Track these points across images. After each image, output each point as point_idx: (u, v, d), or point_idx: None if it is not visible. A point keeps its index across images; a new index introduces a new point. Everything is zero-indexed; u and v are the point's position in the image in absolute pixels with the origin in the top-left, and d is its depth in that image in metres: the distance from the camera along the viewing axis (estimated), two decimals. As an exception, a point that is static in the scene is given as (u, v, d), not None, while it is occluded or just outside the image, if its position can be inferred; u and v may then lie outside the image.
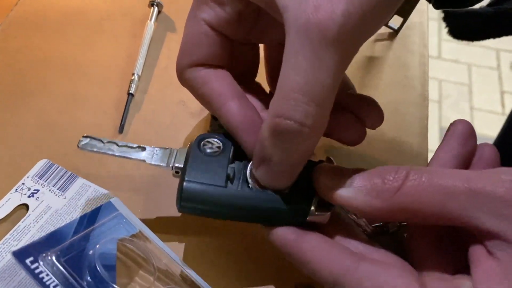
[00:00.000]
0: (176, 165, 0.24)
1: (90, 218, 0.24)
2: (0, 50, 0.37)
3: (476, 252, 0.19)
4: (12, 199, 0.29)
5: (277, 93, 0.19)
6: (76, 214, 0.28)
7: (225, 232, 0.28)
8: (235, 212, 0.23)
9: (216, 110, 0.24)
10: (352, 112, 0.26)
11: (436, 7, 0.30)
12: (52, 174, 0.30)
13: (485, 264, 0.19)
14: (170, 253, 0.25)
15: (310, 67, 0.18)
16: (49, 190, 0.29)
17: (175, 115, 0.34)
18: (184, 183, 0.22)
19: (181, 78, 0.26)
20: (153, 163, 0.24)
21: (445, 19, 0.34)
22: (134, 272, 0.24)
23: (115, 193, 0.29)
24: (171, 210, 0.29)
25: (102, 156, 0.32)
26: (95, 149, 0.24)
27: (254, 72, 0.29)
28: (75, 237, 0.23)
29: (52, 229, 0.26)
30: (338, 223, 0.24)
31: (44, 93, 0.35)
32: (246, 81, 0.27)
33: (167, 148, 0.25)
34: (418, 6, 0.37)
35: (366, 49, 0.38)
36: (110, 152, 0.25)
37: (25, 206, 0.29)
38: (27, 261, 0.20)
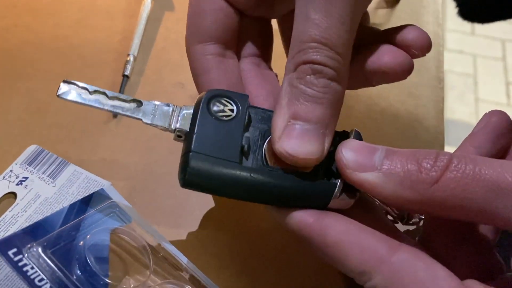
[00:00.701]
0: (180, 127, 0.20)
1: (80, 207, 0.22)
2: (-12, 30, 0.35)
3: None
4: (-1, 187, 0.27)
5: (292, 50, 0.18)
6: (67, 203, 0.26)
7: (227, 224, 0.27)
8: (248, 193, 0.20)
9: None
10: (390, 42, 0.22)
11: None
12: (42, 161, 0.28)
13: None
14: (167, 245, 0.24)
15: (323, 17, 0.16)
16: (39, 178, 0.27)
17: (172, 98, 0.32)
18: (191, 155, 0.19)
19: (188, 53, 0.24)
20: (150, 122, 0.21)
21: None
22: (129, 265, 0.22)
23: (109, 180, 0.27)
24: (169, 199, 0.27)
25: (95, 142, 0.30)
26: (79, 100, 0.20)
27: (267, 56, 0.27)
28: (63, 227, 0.21)
29: (41, 218, 0.25)
30: (361, 205, 0.21)
31: (34, 75, 0.33)
32: (259, 65, 0.25)
33: (169, 105, 0.21)
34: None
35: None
36: (98, 105, 0.20)
37: (13, 195, 0.27)
38: (10, 252, 0.19)
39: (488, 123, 0.22)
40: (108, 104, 0.20)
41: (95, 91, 0.21)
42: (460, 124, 1.42)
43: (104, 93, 0.21)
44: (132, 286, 0.21)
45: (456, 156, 0.17)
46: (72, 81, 0.21)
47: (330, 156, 0.20)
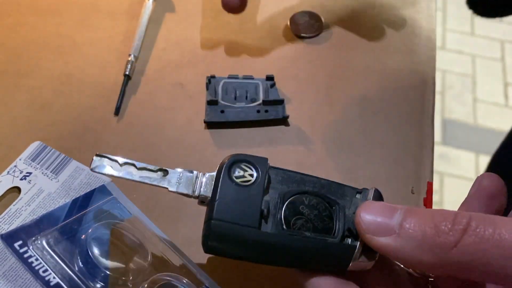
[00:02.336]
0: (203, 194, 0.21)
1: (83, 202, 0.23)
2: (-7, 29, 0.36)
3: None
4: (4, 182, 0.28)
5: None
6: (69, 198, 0.27)
7: None
8: (267, 257, 0.20)
9: None
10: None
11: None
12: (45, 157, 0.29)
13: None
14: (166, 239, 0.25)
15: None
16: (42, 173, 0.28)
17: (172, 98, 0.33)
18: (212, 222, 0.19)
19: None
20: (175, 190, 0.21)
21: None
22: (128, 258, 0.23)
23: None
24: (167, 195, 0.28)
25: (97, 139, 0.31)
26: (110, 173, 0.21)
27: None
28: (66, 221, 0.22)
29: (44, 212, 0.26)
30: (381, 266, 0.21)
31: (38, 73, 0.34)
32: None
33: (192, 172, 0.22)
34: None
35: (371, 32, 0.37)
36: (128, 177, 0.22)
37: (17, 189, 0.28)
38: (16, 244, 0.20)
39: (479, 187, 0.22)
40: (137, 175, 0.21)
41: (125, 163, 0.22)
42: (458, 123, 1.42)
43: (133, 165, 0.22)
44: (131, 278, 0.22)
45: (475, 218, 0.17)
46: (104, 154, 0.22)
47: (350, 216, 0.20)
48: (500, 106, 1.46)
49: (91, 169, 0.21)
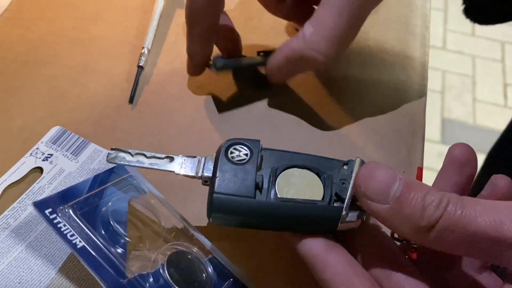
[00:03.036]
0: (205, 174, 0.24)
1: (103, 178, 0.25)
2: (14, 21, 0.38)
3: None
4: (27, 163, 0.30)
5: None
6: (88, 177, 0.29)
7: None
8: (265, 223, 0.23)
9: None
10: None
11: None
12: (65, 140, 0.31)
13: None
14: (176, 214, 0.27)
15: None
16: (62, 155, 0.31)
17: (182, 87, 0.35)
18: (214, 196, 0.22)
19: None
20: (182, 173, 0.24)
21: None
22: (144, 228, 0.25)
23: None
24: (177, 177, 0.30)
25: (112, 124, 0.33)
26: (124, 162, 0.24)
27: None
28: (89, 194, 0.24)
29: (71, 185, 0.28)
30: (369, 228, 0.23)
31: (56, 64, 0.36)
32: None
33: (195, 157, 0.25)
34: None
35: (365, 33, 0.39)
36: (140, 165, 0.24)
37: (40, 169, 0.30)
38: (46, 211, 0.22)
39: (451, 157, 0.24)
40: (147, 163, 0.24)
41: (136, 153, 0.25)
42: (457, 123, 1.44)
43: (144, 154, 0.25)
44: (147, 245, 0.24)
45: (452, 200, 0.19)
46: (118, 148, 0.25)
47: (338, 184, 0.22)
48: (500, 106, 1.48)
49: (108, 161, 0.24)
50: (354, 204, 0.22)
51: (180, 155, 0.25)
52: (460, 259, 0.23)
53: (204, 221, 0.28)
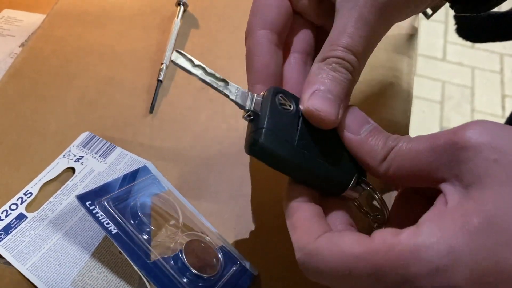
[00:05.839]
0: (254, 109, 0.24)
1: (131, 177, 0.30)
2: (47, 38, 0.43)
3: (435, 207, 0.21)
4: (61, 163, 0.35)
5: (324, 48, 0.25)
6: (116, 176, 0.34)
7: (237, 196, 0.34)
8: (292, 170, 0.24)
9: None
10: None
11: (457, 12, 0.31)
12: (94, 144, 0.36)
13: (432, 211, 0.21)
14: (192, 209, 0.31)
15: (355, 31, 0.24)
16: (92, 157, 0.35)
17: (196, 99, 0.39)
18: (265, 129, 0.23)
19: (250, 36, 0.27)
20: (234, 99, 0.24)
21: (456, 17, 0.35)
22: (165, 220, 0.30)
23: (149, 160, 0.35)
24: (193, 175, 0.34)
25: (135, 131, 0.37)
26: (186, 67, 0.24)
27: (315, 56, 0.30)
28: (120, 190, 0.29)
29: (103, 183, 0.32)
30: (345, 200, 0.25)
31: (85, 76, 0.40)
32: (306, 63, 0.29)
33: (246, 91, 0.25)
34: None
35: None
36: (202, 77, 0.24)
37: (72, 169, 0.34)
38: (87, 203, 0.26)
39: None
40: (208, 78, 0.24)
41: (197, 65, 0.24)
42: (455, 133, 1.47)
43: (204, 68, 0.24)
44: (169, 233, 0.29)
45: (405, 138, 0.23)
46: (182, 52, 0.24)
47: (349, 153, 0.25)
48: (497, 117, 1.51)
49: (172, 61, 0.24)
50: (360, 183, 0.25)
51: (233, 83, 0.25)
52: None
53: (215, 216, 0.32)
